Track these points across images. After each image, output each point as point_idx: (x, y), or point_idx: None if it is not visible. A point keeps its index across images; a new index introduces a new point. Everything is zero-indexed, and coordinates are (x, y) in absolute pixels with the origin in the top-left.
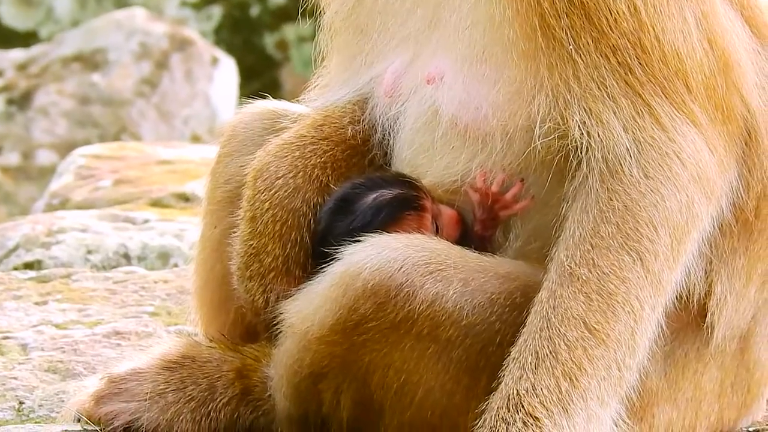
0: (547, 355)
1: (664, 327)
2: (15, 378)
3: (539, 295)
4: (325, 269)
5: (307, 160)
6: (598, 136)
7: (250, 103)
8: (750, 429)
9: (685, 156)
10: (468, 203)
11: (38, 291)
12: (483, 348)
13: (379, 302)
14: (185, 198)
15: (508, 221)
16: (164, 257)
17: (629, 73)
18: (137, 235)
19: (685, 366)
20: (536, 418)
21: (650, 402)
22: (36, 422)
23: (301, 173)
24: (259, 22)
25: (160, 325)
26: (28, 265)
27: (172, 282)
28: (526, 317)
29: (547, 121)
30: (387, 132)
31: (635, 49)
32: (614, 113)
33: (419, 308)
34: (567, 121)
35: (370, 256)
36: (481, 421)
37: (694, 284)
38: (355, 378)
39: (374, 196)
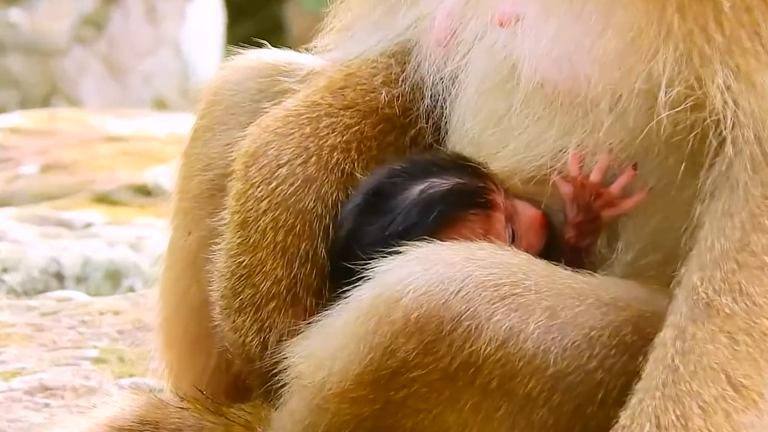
0: (672, 422)
1: None
2: None
3: (662, 334)
4: (348, 294)
5: (323, 139)
6: (749, 105)
7: (239, 53)
8: None
9: None
10: (558, 200)
11: None
12: (578, 408)
13: (426, 341)
14: (145, 191)
15: (615, 225)
16: (114, 277)
17: None
18: (75, 245)
19: None
20: None
21: None
22: None
23: (314, 158)
24: None
25: (107, 376)
26: None
27: (126, 313)
28: (642, 365)
29: (676, 84)
30: (439, 97)
31: None
32: None
33: (486, 350)
34: (704, 84)
35: (415, 275)
36: None
37: None
38: None
39: (421, 188)
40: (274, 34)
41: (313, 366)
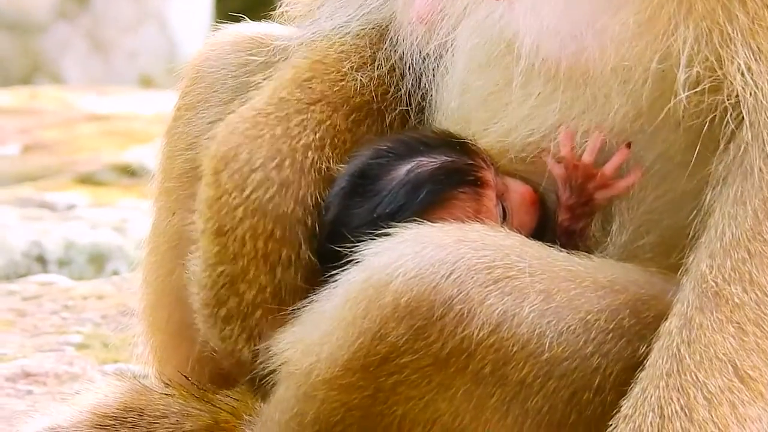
0: (676, 412)
1: None
2: None
3: (668, 323)
4: (336, 278)
5: (295, 139)
6: None
7: (220, 29)
8: None
9: None
10: (551, 181)
11: None
12: (574, 395)
13: (417, 326)
14: (129, 171)
15: (609, 207)
16: (98, 261)
17: None
18: (57, 227)
19: None
20: None
21: None
22: None
23: (288, 161)
24: None
25: (91, 362)
26: None
27: (110, 298)
28: (644, 353)
29: (695, 64)
30: (422, 76)
31: None
32: None
33: (478, 335)
34: (724, 64)
35: (405, 258)
36: None
37: None
38: None
39: (408, 167)
40: (263, 7)
41: (300, 352)
